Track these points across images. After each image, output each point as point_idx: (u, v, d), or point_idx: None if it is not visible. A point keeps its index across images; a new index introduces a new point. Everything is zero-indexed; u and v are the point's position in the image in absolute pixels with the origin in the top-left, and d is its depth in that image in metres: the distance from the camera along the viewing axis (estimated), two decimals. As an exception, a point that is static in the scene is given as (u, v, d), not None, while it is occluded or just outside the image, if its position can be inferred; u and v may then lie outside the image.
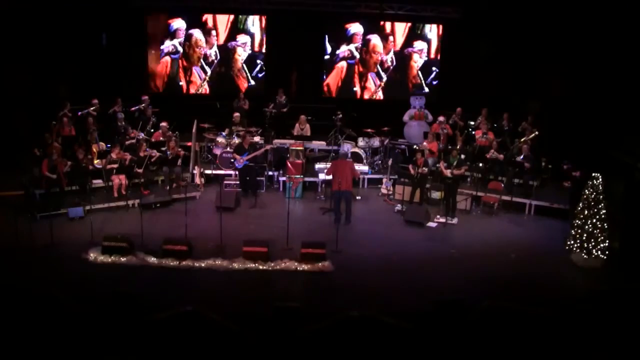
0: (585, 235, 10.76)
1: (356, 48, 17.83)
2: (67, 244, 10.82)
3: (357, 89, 18.16)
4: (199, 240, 10.97)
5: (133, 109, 15.31)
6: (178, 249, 10.46)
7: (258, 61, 17.83)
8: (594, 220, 10.71)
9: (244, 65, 17.85)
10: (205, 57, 17.66)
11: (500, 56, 16.41)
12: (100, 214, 12.36)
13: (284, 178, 14.17)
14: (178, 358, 7.30)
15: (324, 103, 17.39)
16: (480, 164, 14.16)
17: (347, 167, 12.30)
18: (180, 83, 17.78)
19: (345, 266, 10.48)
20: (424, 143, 14.47)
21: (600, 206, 10.69)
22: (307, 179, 14.26)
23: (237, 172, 13.90)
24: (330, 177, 12.45)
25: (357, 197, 13.99)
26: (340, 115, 15.43)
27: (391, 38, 17.83)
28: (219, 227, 11.00)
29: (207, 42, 17.57)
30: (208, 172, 14.34)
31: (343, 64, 17.96)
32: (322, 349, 7.53)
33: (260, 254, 10.44)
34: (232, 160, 13.90)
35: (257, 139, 14.71)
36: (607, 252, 10.73)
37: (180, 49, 17.49)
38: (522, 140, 14.18)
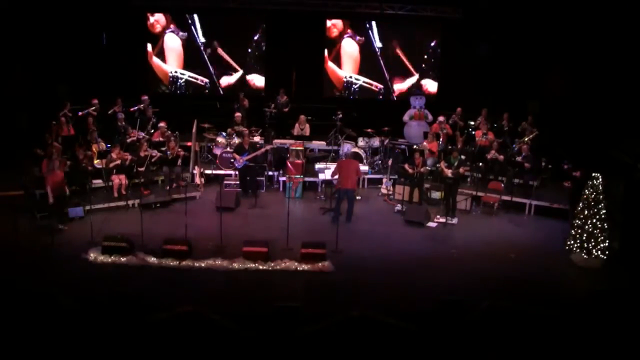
0: (585, 235, 10.75)
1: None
2: (67, 244, 10.82)
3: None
4: (199, 240, 10.97)
5: (133, 109, 15.30)
6: (178, 249, 10.46)
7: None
8: (594, 220, 10.70)
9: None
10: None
11: (500, 56, 16.42)
12: (100, 214, 12.35)
13: (284, 178, 14.17)
14: (178, 358, 7.30)
15: (324, 103, 17.40)
16: (480, 164, 14.16)
17: (351, 167, 12.32)
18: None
19: (345, 266, 10.47)
20: (424, 143, 14.47)
21: (600, 206, 10.69)
22: (307, 179, 14.25)
23: (237, 172, 13.90)
24: (335, 177, 12.45)
25: (357, 197, 13.98)
26: (340, 115, 15.43)
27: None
28: (219, 227, 11.00)
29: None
30: (208, 172, 14.34)
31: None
32: (322, 349, 7.54)
33: (260, 254, 10.43)
34: (232, 160, 13.91)
35: (257, 139, 14.72)
36: (607, 252, 10.73)
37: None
38: (522, 140, 14.19)
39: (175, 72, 17.84)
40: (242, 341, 7.60)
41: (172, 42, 17.66)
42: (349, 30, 17.84)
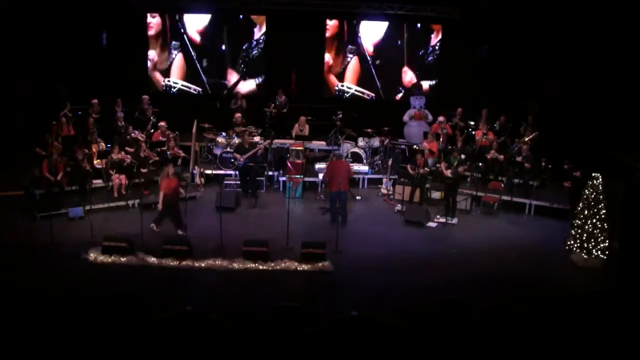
0: (585, 235, 10.76)
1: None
2: (67, 244, 10.82)
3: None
4: (199, 240, 10.97)
5: (137, 114, 15.24)
6: (178, 249, 10.46)
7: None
8: (594, 220, 10.70)
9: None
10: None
11: (500, 56, 16.42)
12: (100, 214, 12.35)
13: (284, 178, 14.17)
14: (178, 358, 7.30)
15: (324, 103, 17.40)
16: (480, 164, 14.16)
17: (343, 168, 12.29)
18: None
19: (345, 266, 10.48)
20: (424, 143, 14.47)
21: (600, 206, 10.69)
22: (307, 179, 14.25)
23: (237, 172, 13.90)
24: (326, 179, 12.38)
25: (357, 197, 13.99)
26: (340, 115, 15.42)
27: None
28: (219, 227, 11.00)
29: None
30: (208, 172, 14.33)
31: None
32: (322, 349, 7.53)
33: (260, 254, 10.43)
34: (232, 160, 13.91)
35: (257, 139, 14.70)
36: (607, 252, 10.73)
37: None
38: (522, 140, 14.19)
39: (169, 81, 17.81)
40: (242, 341, 7.59)
41: (178, 59, 17.71)
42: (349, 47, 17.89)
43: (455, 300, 8.30)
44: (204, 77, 17.83)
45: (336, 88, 18.18)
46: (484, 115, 15.22)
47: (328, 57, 17.95)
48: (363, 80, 18.14)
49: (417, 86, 18.03)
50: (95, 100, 14.86)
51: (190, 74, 17.81)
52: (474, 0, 16.62)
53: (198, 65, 17.73)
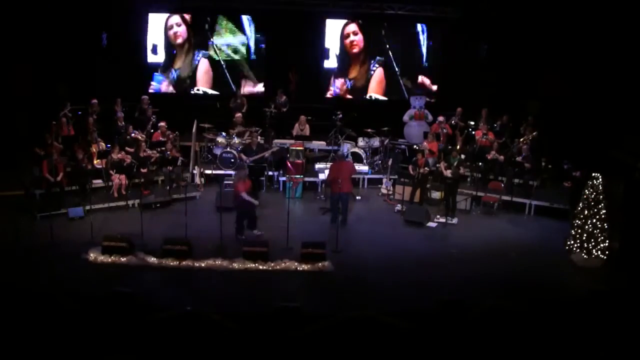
0: (585, 235, 10.76)
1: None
2: (67, 244, 10.82)
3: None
4: (199, 240, 10.97)
5: (137, 114, 15.24)
6: (178, 249, 10.46)
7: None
8: (594, 220, 10.71)
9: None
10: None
11: (500, 56, 16.41)
12: (100, 214, 12.34)
13: (284, 178, 14.17)
14: (178, 358, 7.30)
15: (324, 103, 17.39)
16: (480, 164, 14.16)
17: (346, 169, 12.28)
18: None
19: (345, 266, 10.48)
20: (424, 143, 14.47)
21: (600, 206, 10.70)
22: (307, 179, 14.25)
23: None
24: (331, 180, 12.34)
25: (357, 197, 13.98)
26: (341, 115, 15.42)
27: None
28: (219, 227, 11.00)
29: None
30: (208, 172, 14.33)
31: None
32: (322, 349, 7.53)
33: (260, 254, 10.44)
34: (233, 159, 13.90)
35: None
36: (607, 252, 10.73)
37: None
38: (522, 140, 14.19)
39: (198, 89, 17.78)
40: (242, 341, 7.59)
41: (202, 66, 17.65)
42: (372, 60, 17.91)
43: (454, 300, 8.30)
44: (232, 85, 17.74)
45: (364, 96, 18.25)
46: (484, 115, 15.22)
47: (353, 71, 18.01)
48: (388, 87, 18.11)
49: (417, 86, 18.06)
50: (95, 100, 14.86)
51: (217, 83, 17.72)
52: (474, 0, 16.62)
53: (226, 72, 17.70)
